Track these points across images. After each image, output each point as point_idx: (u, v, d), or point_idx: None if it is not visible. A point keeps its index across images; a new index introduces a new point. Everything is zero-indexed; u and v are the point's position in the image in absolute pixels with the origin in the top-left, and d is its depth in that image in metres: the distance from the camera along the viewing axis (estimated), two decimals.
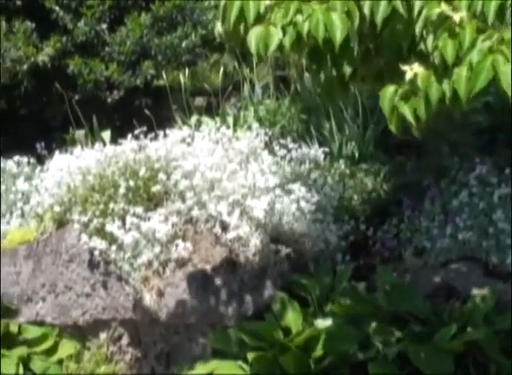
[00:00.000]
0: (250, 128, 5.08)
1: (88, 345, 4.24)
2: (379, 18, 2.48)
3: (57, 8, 6.79)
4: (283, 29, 2.55)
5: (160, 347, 4.00)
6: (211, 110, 6.49)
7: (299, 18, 2.55)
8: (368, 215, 4.47)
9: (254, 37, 2.56)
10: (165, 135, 4.95)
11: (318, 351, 3.46)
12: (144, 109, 6.58)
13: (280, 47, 2.56)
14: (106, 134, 6.21)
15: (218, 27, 2.88)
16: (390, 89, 2.46)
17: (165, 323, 3.88)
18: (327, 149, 4.79)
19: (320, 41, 2.51)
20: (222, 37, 2.87)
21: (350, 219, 4.37)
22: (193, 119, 6.15)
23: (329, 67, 2.74)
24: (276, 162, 4.52)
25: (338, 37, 2.49)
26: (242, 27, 2.63)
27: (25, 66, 6.61)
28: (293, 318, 3.69)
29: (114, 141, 5.77)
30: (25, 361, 4.10)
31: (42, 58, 6.64)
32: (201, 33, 7.07)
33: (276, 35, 2.54)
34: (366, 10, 2.50)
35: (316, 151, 4.73)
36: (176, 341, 3.94)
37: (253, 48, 2.56)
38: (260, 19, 2.60)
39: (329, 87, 2.92)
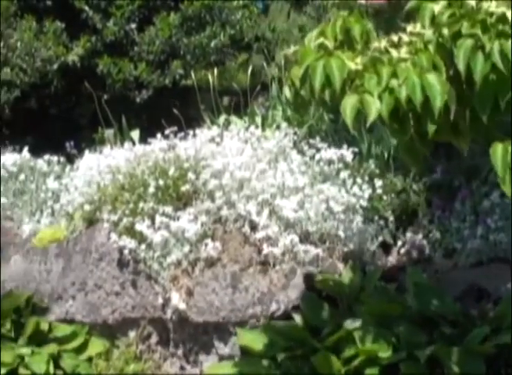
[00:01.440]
0: (278, 128, 5.07)
1: (117, 343, 4.26)
2: (478, 76, 2.34)
3: (87, 8, 6.85)
4: (379, 96, 2.38)
5: (189, 346, 4.00)
6: (239, 110, 6.49)
7: (394, 83, 2.38)
8: (397, 215, 4.43)
9: (349, 108, 2.39)
10: (194, 135, 4.97)
11: (348, 352, 3.44)
12: (172, 109, 6.61)
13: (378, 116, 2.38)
14: (135, 134, 6.23)
15: (286, 92, 2.73)
16: (500, 147, 2.36)
17: (194, 322, 3.88)
18: (356, 149, 4.76)
19: (418, 106, 2.35)
20: (293, 101, 2.70)
21: (380, 219, 4.34)
22: (222, 118, 6.14)
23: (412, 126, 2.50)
24: (305, 162, 4.50)
25: (438, 101, 2.34)
26: (327, 95, 2.47)
27: (55, 66, 6.69)
28: (322, 318, 3.67)
29: (142, 140, 5.81)
30: (55, 359, 4.14)
31: (72, 57, 6.71)
32: (230, 33, 7.09)
33: (374, 105, 2.37)
34: (461, 66, 2.35)
35: (345, 151, 4.70)
36: (205, 340, 3.94)
37: (349, 120, 2.40)
38: (345, 84, 2.45)
39: (410, 144, 2.66)
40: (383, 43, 2.54)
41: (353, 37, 2.65)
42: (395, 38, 2.55)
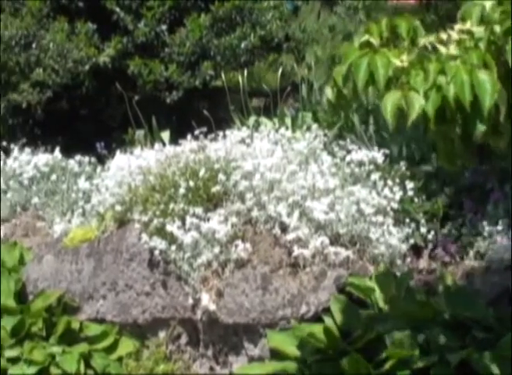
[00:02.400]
0: (309, 129, 5.06)
1: (147, 344, 4.28)
2: None
3: (118, 9, 6.89)
4: (425, 94, 2.30)
5: (218, 347, 4.01)
6: (268, 111, 6.48)
7: (442, 80, 2.30)
8: (428, 218, 4.39)
9: (389, 105, 2.32)
10: (225, 136, 4.98)
11: (379, 355, 3.42)
12: (201, 110, 6.62)
13: (421, 115, 2.30)
14: (165, 135, 6.26)
15: (328, 92, 2.58)
16: None
17: (224, 323, 3.89)
18: (387, 151, 4.73)
19: (466, 105, 2.27)
20: (334, 100, 2.55)
21: (411, 221, 4.31)
22: (251, 119, 6.14)
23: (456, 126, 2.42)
24: (335, 164, 4.49)
25: (488, 101, 2.26)
26: (372, 91, 2.38)
27: (86, 67, 6.73)
28: (352, 321, 3.66)
29: (172, 141, 5.83)
30: (86, 358, 4.17)
31: (103, 59, 6.75)
32: (260, 34, 7.08)
33: (417, 102, 2.29)
34: None
35: (376, 153, 4.68)
36: (235, 341, 3.94)
37: (388, 116, 2.32)
38: (390, 82, 2.36)
39: (451, 146, 2.57)
40: (431, 39, 2.46)
41: (400, 34, 2.55)
42: (443, 36, 2.47)
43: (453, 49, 2.40)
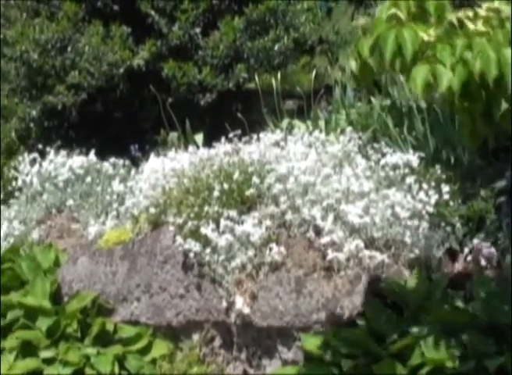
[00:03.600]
0: (343, 132, 5.03)
1: (181, 346, 4.29)
2: None
3: (152, 12, 6.92)
4: (452, 68, 2.35)
5: (252, 350, 4.00)
6: (301, 113, 6.47)
7: (468, 55, 2.34)
8: (464, 221, 4.34)
9: (419, 77, 2.37)
10: (258, 139, 4.98)
11: (414, 361, 3.39)
12: (234, 112, 6.62)
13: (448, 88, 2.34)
14: (199, 137, 6.27)
15: (352, 64, 2.65)
16: None
17: (258, 326, 3.88)
18: (422, 154, 4.69)
19: (491, 81, 2.31)
20: (358, 73, 2.63)
21: (446, 225, 4.26)
22: (285, 122, 6.13)
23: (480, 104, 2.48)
24: (370, 167, 4.46)
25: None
26: (398, 64, 2.43)
27: (121, 70, 6.77)
28: (387, 325, 3.63)
29: (206, 143, 5.84)
30: (120, 359, 4.18)
31: (137, 61, 6.78)
32: (293, 36, 7.07)
33: (445, 75, 2.34)
34: None
35: (411, 156, 4.64)
36: (268, 344, 3.93)
37: (419, 90, 2.39)
38: (417, 55, 2.41)
39: (473, 125, 2.63)
40: (459, 15, 2.48)
41: (427, 10, 2.56)
42: (470, 13, 2.49)
43: (480, 26, 2.43)
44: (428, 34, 2.44)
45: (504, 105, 2.41)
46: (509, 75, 2.30)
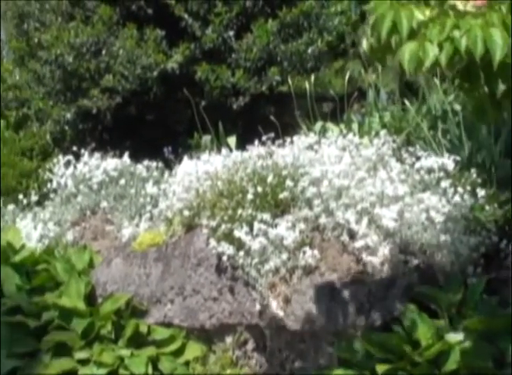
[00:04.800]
0: (377, 135, 5.01)
1: (214, 349, 4.30)
2: None
3: (186, 15, 6.94)
4: (439, 45, 2.50)
5: (285, 354, 3.99)
6: (334, 116, 6.45)
7: (456, 34, 2.49)
8: (500, 226, 4.29)
9: (407, 52, 2.52)
10: (292, 142, 4.97)
11: (450, 366, 3.36)
12: (267, 115, 6.62)
13: (434, 64, 2.51)
14: (232, 140, 6.29)
15: (364, 43, 2.84)
16: None
17: (291, 330, 3.87)
18: (457, 157, 4.65)
19: (477, 57, 2.45)
20: (368, 51, 2.82)
21: (482, 230, 4.21)
22: (318, 125, 6.12)
23: (482, 85, 2.66)
24: (404, 170, 4.43)
25: (498, 54, 2.43)
26: (394, 42, 2.58)
27: (155, 73, 6.80)
28: (422, 331, 3.59)
29: (239, 146, 5.84)
30: (154, 361, 4.20)
31: (171, 64, 6.81)
32: (327, 39, 7.04)
33: (432, 51, 2.49)
34: None
35: (446, 159, 4.60)
36: (302, 348, 3.92)
37: (406, 64, 2.52)
38: (413, 34, 2.56)
39: (480, 106, 2.84)
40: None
41: None
42: None
43: (470, 7, 2.58)
44: (424, 15, 2.60)
45: (501, 87, 2.60)
46: (494, 52, 2.42)
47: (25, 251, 5.23)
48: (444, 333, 3.53)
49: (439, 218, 4.01)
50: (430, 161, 4.41)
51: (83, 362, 4.22)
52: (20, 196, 6.35)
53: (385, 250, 3.83)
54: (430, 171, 4.42)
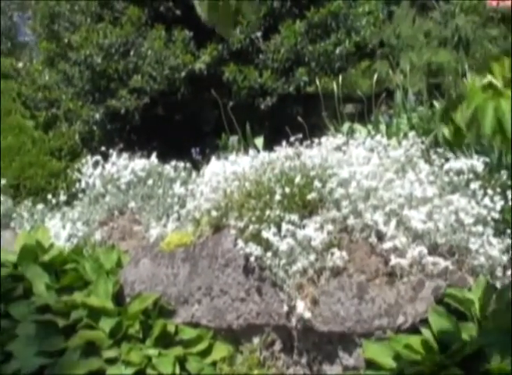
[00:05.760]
0: (405, 136, 4.99)
1: (241, 349, 4.29)
2: None
3: None
4: None
5: (312, 355, 3.98)
6: (362, 117, 6.44)
7: None
8: None
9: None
10: (319, 143, 4.96)
11: (479, 370, 3.32)
12: (294, 116, 6.62)
13: None
14: (259, 141, 6.29)
15: (444, 131, 2.61)
16: None
17: (319, 331, 3.86)
18: (487, 159, 4.61)
19: None
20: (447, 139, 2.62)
21: None
22: (346, 126, 6.10)
23: None
24: (433, 172, 4.40)
25: None
26: (498, 140, 2.34)
27: (183, 74, 6.83)
28: (450, 333, 3.56)
29: (266, 147, 5.84)
30: (181, 361, 4.21)
31: (199, 65, 6.84)
32: (355, 40, 7.03)
33: None
34: None
35: (475, 161, 4.56)
36: (329, 349, 3.90)
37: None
38: None
39: None
40: None
41: None
42: None
43: None
44: None
45: None
46: None
47: (54, 250, 5.28)
48: (473, 337, 3.50)
49: (468, 220, 3.97)
50: (459, 163, 4.38)
51: (111, 362, 4.23)
52: (49, 196, 6.42)
53: (413, 252, 3.80)
54: (459, 173, 4.39)
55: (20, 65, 8.19)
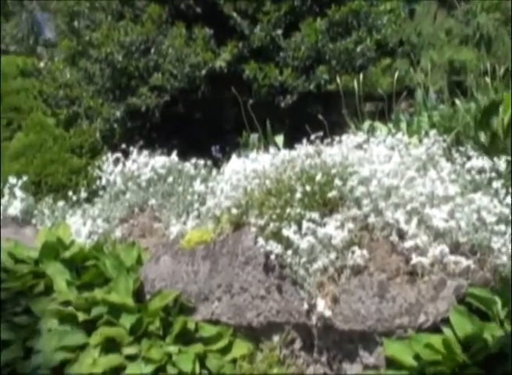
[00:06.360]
0: (426, 134, 4.96)
1: (261, 347, 4.29)
2: None
3: (235, 14, 6.95)
4: None
5: (333, 353, 3.97)
6: (382, 115, 6.41)
7: None
8: None
9: None
10: (340, 141, 4.95)
11: (500, 370, 3.30)
12: (315, 114, 6.59)
13: None
14: (279, 138, 6.29)
15: (481, 136, 2.58)
16: None
17: (339, 329, 3.84)
18: (509, 157, 4.57)
19: None
20: (483, 144, 2.56)
21: None
22: (366, 124, 6.08)
23: None
24: (455, 170, 4.37)
25: None
26: None
27: (203, 72, 6.82)
28: (472, 333, 3.54)
29: (286, 145, 5.83)
30: (201, 358, 4.21)
31: (219, 63, 6.83)
32: (376, 38, 7.00)
33: None
34: None
35: (497, 160, 4.53)
36: (350, 348, 3.89)
37: None
38: None
39: None
40: None
41: None
42: None
43: None
44: None
45: None
46: None
47: (75, 247, 5.30)
48: (496, 337, 3.47)
49: (490, 219, 3.94)
50: (481, 161, 4.35)
51: (131, 358, 4.24)
52: (70, 193, 6.46)
53: (435, 251, 3.77)
54: (481, 171, 4.36)
55: (42, 64, 8.24)
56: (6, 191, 6.58)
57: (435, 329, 3.65)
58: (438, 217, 3.86)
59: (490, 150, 2.54)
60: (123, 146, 6.33)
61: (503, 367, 3.34)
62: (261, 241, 4.13)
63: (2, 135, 7.29)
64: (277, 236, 4.11)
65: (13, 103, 7.41)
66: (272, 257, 4.09)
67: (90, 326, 4.49)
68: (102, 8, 7.56)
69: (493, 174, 4.28)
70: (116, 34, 7.00)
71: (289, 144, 5.58)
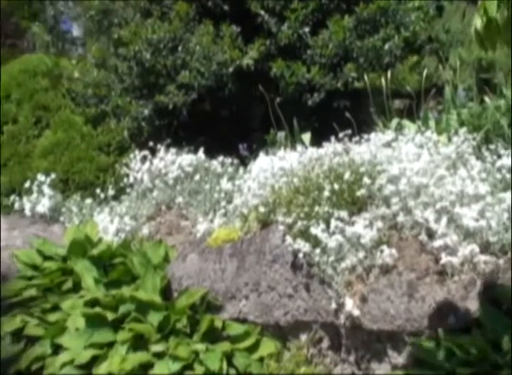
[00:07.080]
0: (455, 132, 4.91)
1: (289, 346, 4.28)
2: None
3: (262, 12, 6.93)
4: None
5: (361, 353, 3.95)
6: (410, 113, 6.36)
7: None
8: None
9: None
10: (368, 139, 4.92)
11: None
12: (342, 112, 6.55)
13: None
14: (306, 136, 6.27)
15: (477, 22, 2.60)
16: None
17: (368, 329, 3.82)
18: None
19: None
20: (479, 31, 2.61)
21: None
22: (394, 122, 6.04)
23: None
24: (485, 169, 4.32)
25: None
26: None
27: (230, 69, 6.80)
28: (503, 333, 3.50)
29: (313, 143, 5.81)
30: (228, 356, 4.21)
31: (247, 61, 6.80)
32: (404, 35, 6.93)
33: None
34: None
35: None
36: (378, 348, 3.86)
37: None
38: None
39: None
40: None
41: None
42: None
43: None
44: None
45: None
46: None
47: (102, 244, 5.33)
48: None
49: None
50: None
51: (159, 356, 4.25)
52: (98, 190, 6.48)
53: (465, 250, 3.73)
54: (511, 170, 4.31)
55: (72, 62, 8.29)
56: (35, 188, 6.62)
57: (465, 329, 3.61)
58: (468, 216, 3.82)
59: None
60: (151, 144, 6.35)
61: None
62: (288, 239, 4.12)
63: (31, 133, 7.33)
64: (305, 234, 4.09)
65: (42, 101, 7.45)
66: (300, 255, 4.07)
67: (117, 324, 4.51)
68: (131, 5, 7.59)
69: None
70: (144, 32, 7.01)
71: (316, 142, 5.56)
